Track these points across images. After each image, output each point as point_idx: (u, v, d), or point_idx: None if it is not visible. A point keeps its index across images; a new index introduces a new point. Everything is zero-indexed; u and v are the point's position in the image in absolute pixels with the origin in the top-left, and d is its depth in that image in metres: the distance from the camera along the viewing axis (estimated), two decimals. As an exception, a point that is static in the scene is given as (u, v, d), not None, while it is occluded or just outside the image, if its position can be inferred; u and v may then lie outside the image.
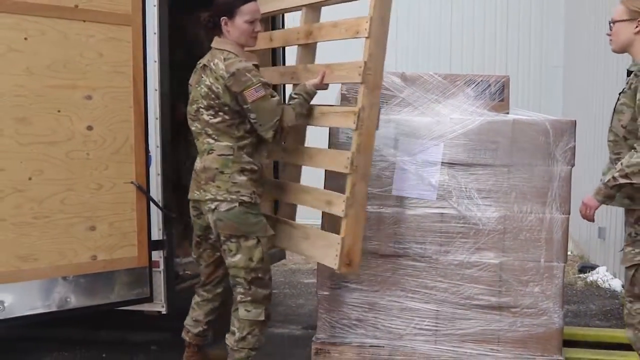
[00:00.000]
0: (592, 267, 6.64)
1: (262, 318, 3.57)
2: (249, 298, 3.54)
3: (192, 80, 3.64)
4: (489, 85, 4.02)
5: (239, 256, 3.49)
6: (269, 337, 4.84)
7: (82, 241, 3.78)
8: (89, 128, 3.78)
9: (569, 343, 4.20)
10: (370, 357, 3.93)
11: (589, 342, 4.39)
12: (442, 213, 3.85)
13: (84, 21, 3.74)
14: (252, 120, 3.45)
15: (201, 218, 3.62)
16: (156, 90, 4.03)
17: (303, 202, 3.74)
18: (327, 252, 3.43)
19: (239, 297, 3.57)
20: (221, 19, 3.49)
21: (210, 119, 3.48)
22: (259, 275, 3.53)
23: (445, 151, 3.83)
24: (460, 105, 3.96)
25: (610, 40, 3.45)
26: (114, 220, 3.88)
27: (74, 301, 3.79)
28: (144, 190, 3.96)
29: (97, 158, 3.81)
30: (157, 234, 4.06)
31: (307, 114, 3.61)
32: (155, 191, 4.05)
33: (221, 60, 3.44)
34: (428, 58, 8.90)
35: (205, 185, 3.50)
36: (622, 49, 3.43)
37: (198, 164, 3.58)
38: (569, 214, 3.82)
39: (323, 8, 3.84)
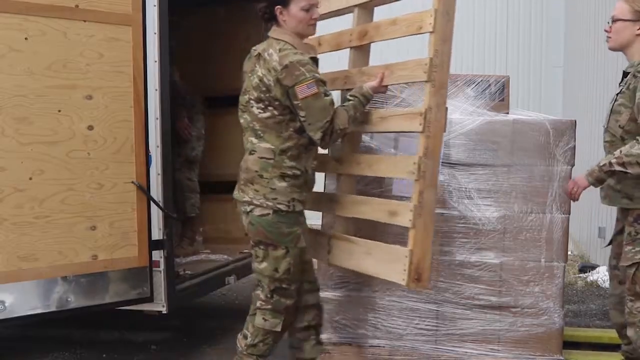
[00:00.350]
0: (593, 267, 6.65)
1: (278, 329, 3.43)
2: (269, 307, 3.40)
3: (246, 67, 3.43)
4: (489, 85, 4.02)
5: (265, 264, 3.35)
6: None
7: (82, 241, 3.77)
8: (90, 128, 3.78)
9: (570, 343, 4.21)
10: (370, 357, 3.93)
11: (589, 342, 4.39)
12: (442, 213, 3.84)
13: (84, 21, 3.73)
14: (301, 119, 3.25)
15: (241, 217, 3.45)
16: (156, 90, 4.01)
17: (361, 214, 3.51)
18: (394, 267, 3.21)
19: (258, 303, 3.43)
20: (275, 8, 3.28)
21: (260, 112, 3.29)
22: (283, 285, 3.38)
23: (445, 151, 3.83)
24: (460, 105, 3.95)
25: (609, 37, 3.45)
26: (114, 220, 3.87)
27: (74, 301, 3.78)
28: (144, 190, 3.95)
29: (97, 158, 3.81)
30: (157, 234, 4.05)
31: (363, 119, 3.43)
32: (156, 191, 4.05)
33: (276, 50, 3.23)
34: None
35: (244, 187, 3.36)
36: (620, 48, 3.43)
37: (242, 162, 3.41)
38: (569, 213, 3.81)
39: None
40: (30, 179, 3.61)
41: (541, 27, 9.19)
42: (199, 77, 5.89)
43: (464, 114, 3.90)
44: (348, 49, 3.73)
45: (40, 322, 4.02)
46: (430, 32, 3.15)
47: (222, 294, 5.99)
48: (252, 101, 3.32)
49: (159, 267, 4.06)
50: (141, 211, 3.96)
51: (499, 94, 4.02)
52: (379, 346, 3.95)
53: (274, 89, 3.22)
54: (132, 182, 3.92)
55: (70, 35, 3.70)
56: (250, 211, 3.32)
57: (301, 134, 3.30)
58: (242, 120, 3.41)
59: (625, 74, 3.44)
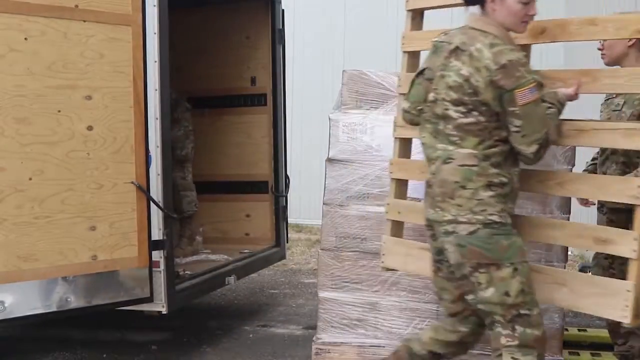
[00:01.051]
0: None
1: None
2: (515, 342, 2.78)
3: (431, 62, 2.91)
4: (490, 85, 3.99)
5: (491, 290, 2.76)
6: (269, 337, 4.88)
7: (82, 241, 3.77)
8: (89, 128, 3.78)
9: (570, 343, 4.21)
10: (371, 357, 3.93)
11: (589, 342, 4.40)
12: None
13: (84, 21, 3.73)
14: (514, 129, 2.71)
15: (437, 240, 2.93)
16: (156, 90, 4.02)
17: (550, 239, 3.12)
18: (608, 301, 2.79)
19: (502, 340, 2.80)
20: None
21: (460, 117, 2.76)
22: (522, 312, 2.76)
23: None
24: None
25: (603, 54, 3.62)
26: (114, 220, 3.87)
27: (74, 301, 3.78)
28: (144, 190, 3.95)
29: (97, 158, 3.81)
30: (157, 234, 4.05)
31: None
32: (156, 191, 4.05)
33: (486, 46, 2.71)
34: (428, 58, 8.90)
35: (442, 203, 2.81)
36: (616, 62, 3.58)
37: (431, 175, 2.89)
38: (569, 214, 3.81)
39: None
40: (30, 179, 3.61)
41: (541, 27, 9.19)
42: (197, 77, 5.89)
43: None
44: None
45: (41, 322, 4.02)
46: None
47: (222, 294, 5.99)
48: (445, 102, 2.80)
49: (158, 267, 4.06)
50: (141, 211, 3.96)
51: (499, 94, 4.00)
52: (379, 346, 3.94)
53: (483, 92, 2.70)
54: (132, 182, 3.92)
55: (70, 36, 3.69)
56: (454, 231, 2.79)
57: (504, 143, 2.79)
58: (428, 126, 2.91)
59: None
